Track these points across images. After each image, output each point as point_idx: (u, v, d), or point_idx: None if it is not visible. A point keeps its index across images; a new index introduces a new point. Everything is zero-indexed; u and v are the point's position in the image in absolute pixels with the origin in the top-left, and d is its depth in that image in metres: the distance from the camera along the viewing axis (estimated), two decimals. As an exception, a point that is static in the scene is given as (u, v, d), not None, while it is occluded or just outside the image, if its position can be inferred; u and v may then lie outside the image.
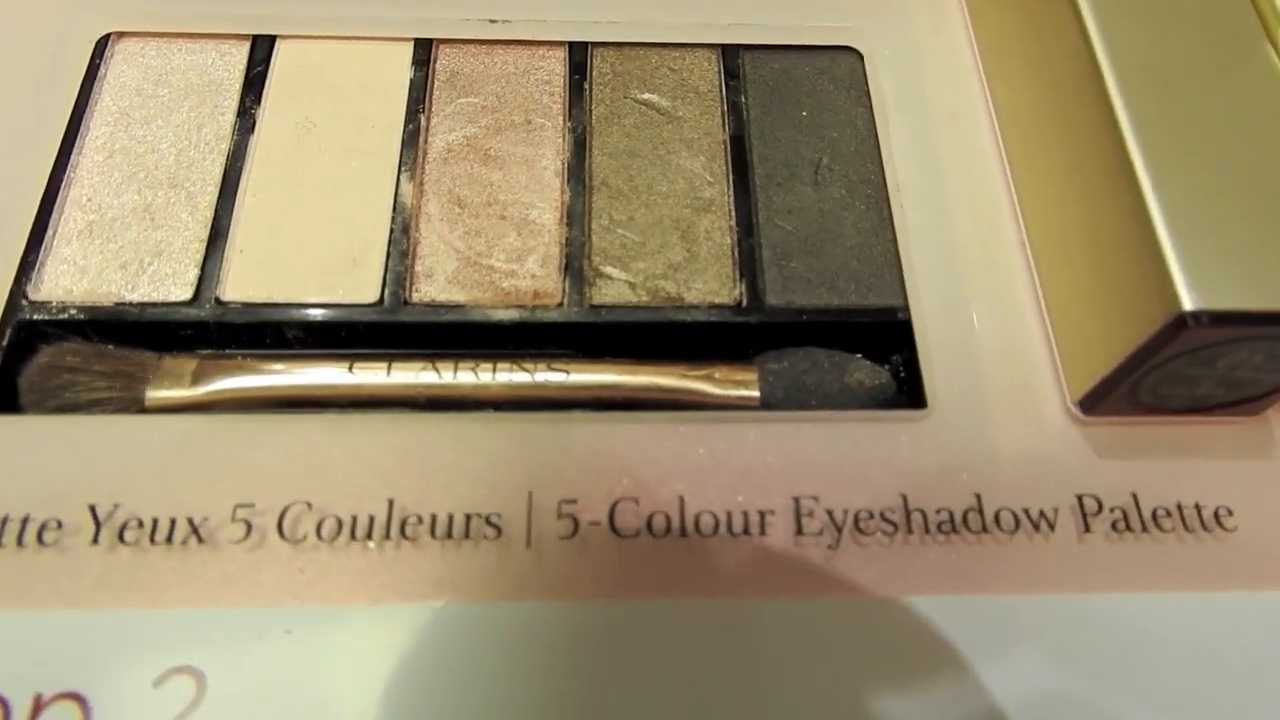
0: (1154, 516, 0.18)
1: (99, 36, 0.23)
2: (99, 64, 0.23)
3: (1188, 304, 0.16)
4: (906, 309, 0.21)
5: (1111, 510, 0.18)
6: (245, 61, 0.23)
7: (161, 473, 0.17)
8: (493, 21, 0.24)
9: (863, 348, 0.21)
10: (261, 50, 0.23)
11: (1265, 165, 0.18)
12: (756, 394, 0.20)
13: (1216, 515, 0.18)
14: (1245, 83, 0.18)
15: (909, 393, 0.20)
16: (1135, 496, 0.19)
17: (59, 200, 0.21)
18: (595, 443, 0.18)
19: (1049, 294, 0.21)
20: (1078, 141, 0.19)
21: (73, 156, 0.22)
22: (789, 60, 0.24)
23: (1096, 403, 0.19)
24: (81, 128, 0.22)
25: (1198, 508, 0.18)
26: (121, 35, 0.23)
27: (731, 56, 0.24)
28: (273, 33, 0.24)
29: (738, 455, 0.19)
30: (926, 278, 0.21)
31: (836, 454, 0.19)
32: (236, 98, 0.23)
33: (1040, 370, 0.20)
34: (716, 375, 0.20)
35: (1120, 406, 0.19)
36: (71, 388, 0.19)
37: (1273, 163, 0.18)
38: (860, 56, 0.24)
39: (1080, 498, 0.18)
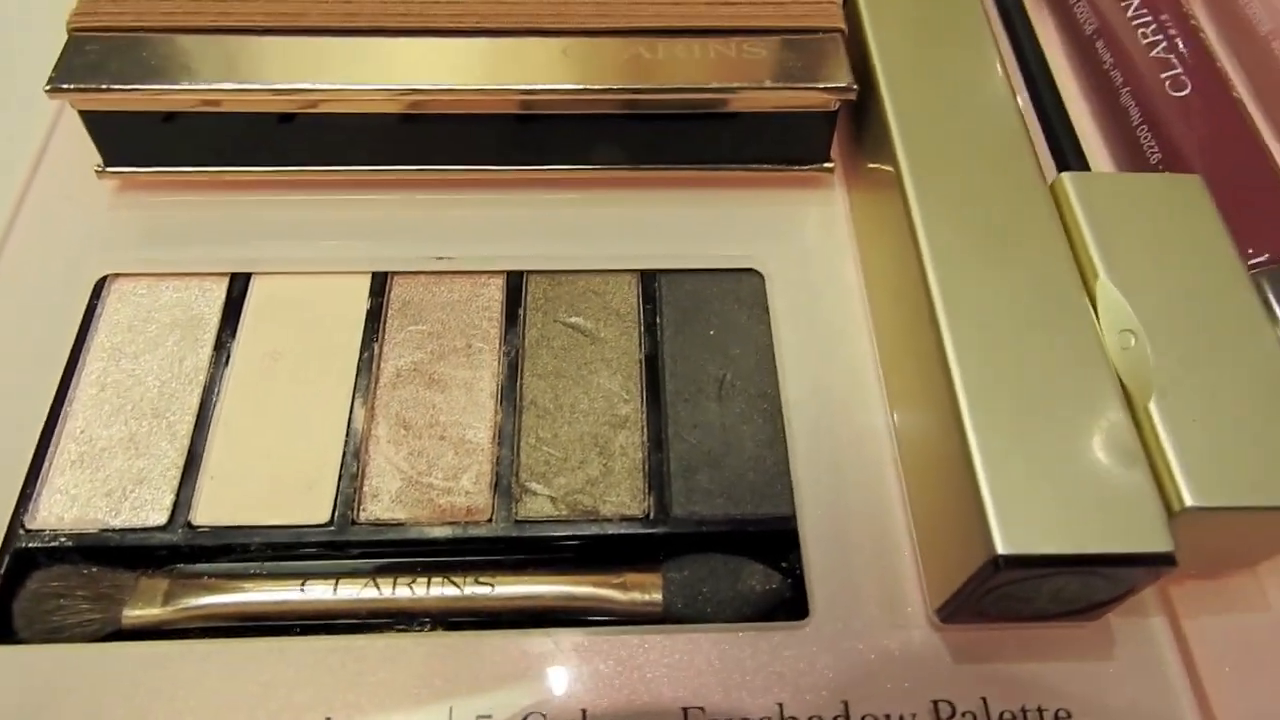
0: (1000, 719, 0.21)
1: (98, 278, 0.27)
2: (96, 302, 0.26)
3: (1000, 548, 0.19)
4: (795, 518, 0.24)
5: (963, 715, 0.21)
6: (224, 297, 0.27)
7: (130, 696, 0.20)
8: (440, 258, 0.27)
9: (761, 552, 0.24)
10: (238, 286, 0.27)
11: (1076, 414, 0.21)
12: (660, 600, 0.23)
13: (1057, 717, 0.21)
14: (1062, 336, 0.22)
15: (795, 600, 0.23)
16: (985, 701, 0.21)
17: (56, 433, 0.24)
18: (510, 658, 0.21)
19: (915, 510, 0.23)
20: (923, 383, 0.22)
21: (70, 390, 0.25)
22: (700, 282, 0.28)
23: (952, 612, 0.22)
24: (79, 363, 0.25)
25: (1040, 711, 0.21)
26: (118, 276, 0.27)
27: (649, 280, 0.28)
28: (248, 271, 0.27)
29: (637, 668, 0.21)
30: (812, 490, 0.24)
31: (725, 663, 0.21)
32: (214, 331, 0.26)
33: (908, 580, 0.23)
34: (625, 582, 0.23)
35: (971, 617, 0.22)
36: (59, 611, 0.22)
37: (1082, 412, 0.21)
38: (762, 278, 0.28)
39: (936, 703, 0.21)
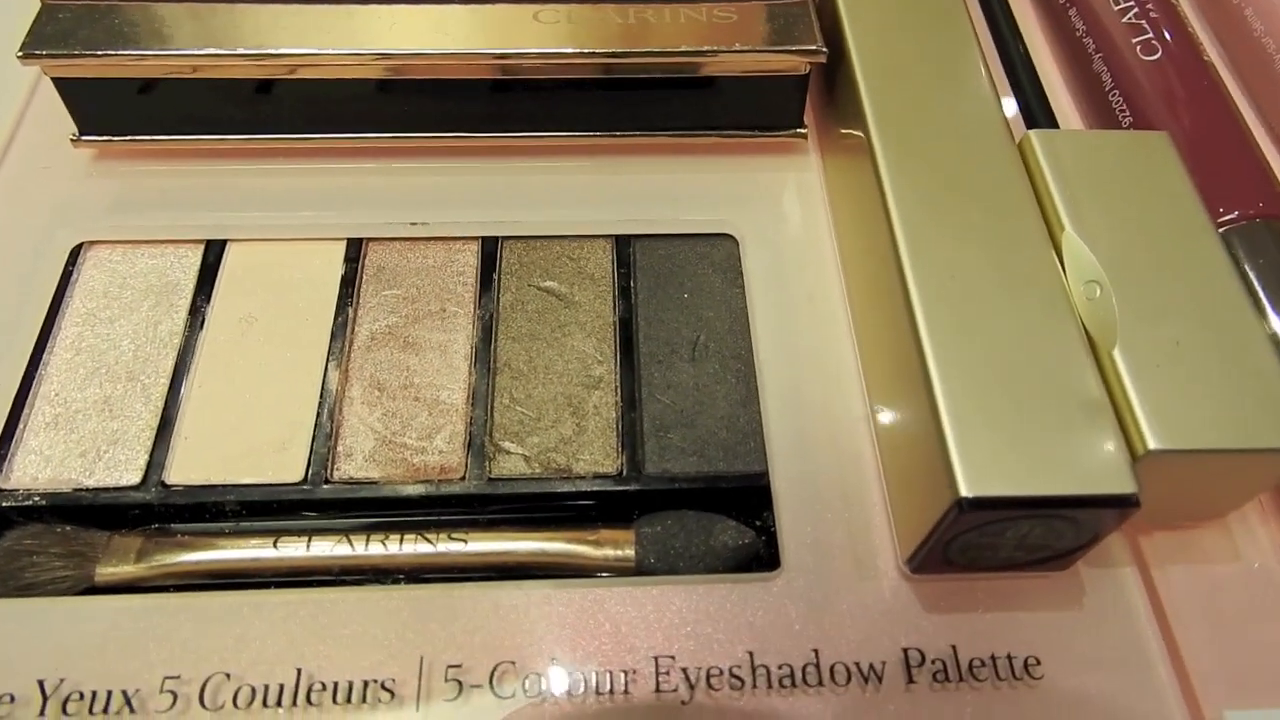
0: (970, 667, 0.21)
1: (73, 246, 0.27)
2: (72, 269, 0.27)
3: (964, 490, 0.19)
4: (768, 474, 0.24)
5: (933, 662, 0.21)
6: (199, 263, 0.27)
7: (102, 649, 0.20)
8: (415, 224, 0.28)
9: (735, 509, 0.24)
10: (214, 253, 0.27)
11: (1042, 362, 0.21)
12: (633, 555, 0.23)
13: (1026, 664, 0.21)
14: (1027, 288, 0.22)
15: (768, 557, 0.23)
16: (954, 648, 0.21)
17: (31, 395, 0.24)
18: (481, 610, 0.21)
19: (886, 463, 0.24)
20: (892, 337, 0.23)
21: (45, 355, 0.25)
22: (674, 247, 0.28)
23: (921, 562, 0.22)
24: (54, 328, 0.25)
25: (1009, 658, 0.21)
26: (93, 244, 0.27)
27: (624, 245, 0.28)
28: (224, 238, 0.27)
29: (608, 619, 0.21)
30: (784, 447, 0.24)
31: (697, 615, 0.22)
32: (190, 296, 0.26)
33: (878, 532, 0.23)
34: (599, 538, 0.23)
35: (940, 566, 0.22)
36: (31, 568, 0.22)
37: (1048, 360, 0.21)
38: (736, 242, 0.28)
39: (906, 651, 0.21)
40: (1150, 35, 0.30)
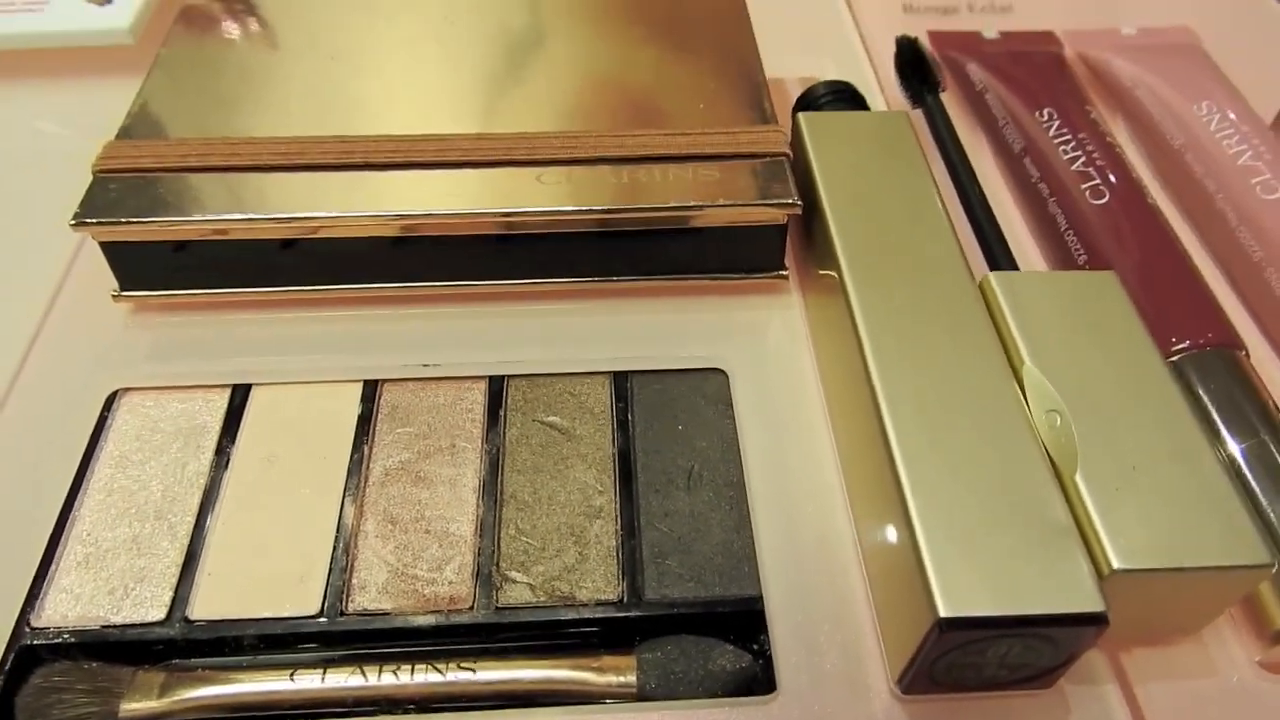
0: (962, 786, 0.22)
1: (110, 392, 0.29)
2: (107, 415, 0.28)
3: (942, 611, 0.20)
4: (762, 599, 0.25)
5: (925, 782, 0.22)
6: (225, 407, 0.29)
7: (125, 784, 0.21)
8: (426, 365, 0.30)
9: (731, 632, 0.25)
10: (239, 397, 0.29)
11: (1010, 488, 0.22)
12: (634, 681, 0.24)
13: (1016, 782, 0.22)
14: (993, 417, 0.24)
15: (764, 679, 0.24)
16: (946, 768, 0.22)
17: (64, 536, 0.26)
18: (490, 738, 0.22)
19: (874, 586, 0.25)
20: (872, 464, 0.24)
21: (79, 496, 0.27)
22: (668, 382, 0.30)
23: (910, 682, 0.23)
24: (88, 471, 0.27)
25: (999, 776, 0.22)
26: (128, 390, 0.29)
27: (621, 381, 0.30)
28: (248, 382, 0.29)
29: (611, 744, 0.22)
30: (777, 571, 0.25)
31: (697, 738, 0.22)
32: (216, 438, 0.28)
33: (869, 652, 0.24)
34: (602, 665, 0.24)
35: (928, 686, 0.23)
36: (59, 705, 0.23)
37: (1015, 486, 0.22)
38: (726, 376, 0.30)
39: (899, 771, 0.22)
40: (1098, 181, 0.33)
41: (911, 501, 0.22)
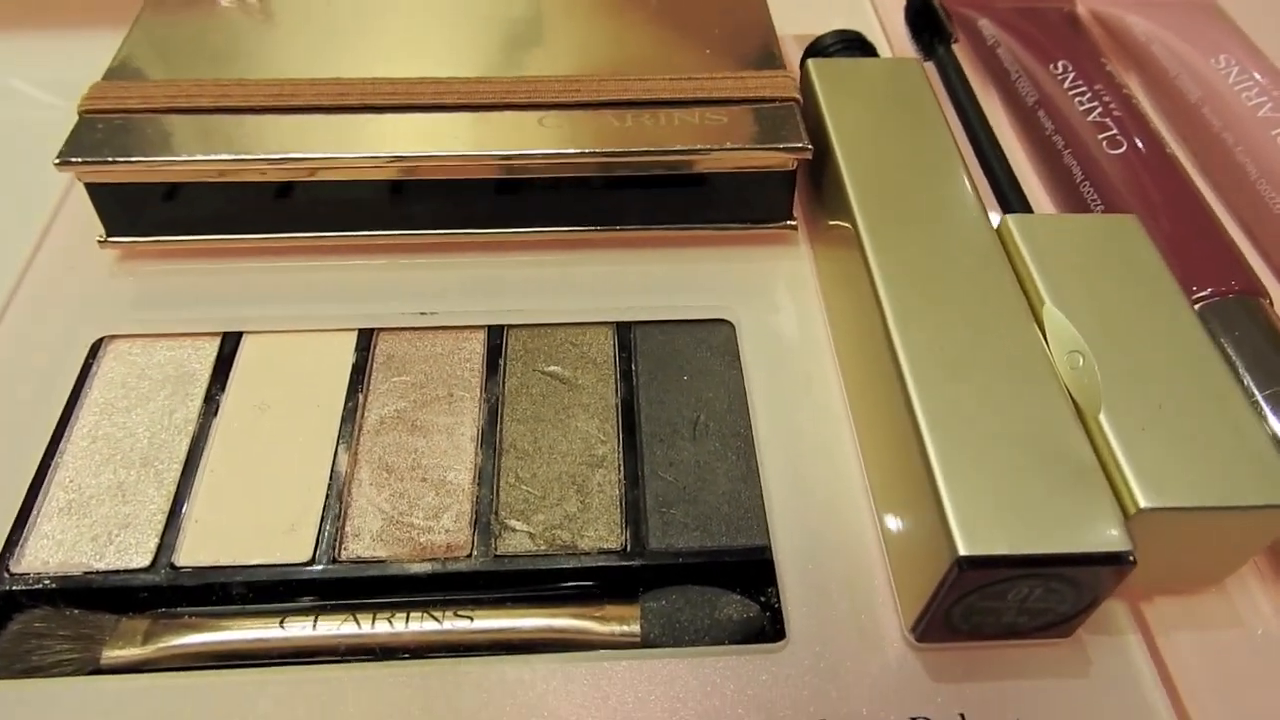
0: (979, 735, 0.21)
1: (95, 339, 0.28)
2: (92, 362, 0.28)
3: (962, 549, 0.19)
4: (770, 548, 0.24)
5: (942, 731, 0.21)
6: (215, 354, 0.28)
7: (106, 729, 0.20)
8: (424, 314, 0.29)
9: (738, 583, 0.24)
10: (229, 345, 0.28)
11: (1032, 428, 0.21)
12: (638, 630, 0.23)
13: (1035, 732, 0.21)
14: (1013, 360, 0.23)
15: (771, 631, 0.23)
16: (962, 717, 0.21)
17: (46, 482, 0.25)
18: (489, 685, 0.21)
19: (885, 534, 0.24)
20: (887, 410, 0.23)
21: (62, 443, 0.26)
22: (673, 332, 0.29)
23: (925, 629, 0.22)
24: (72, 418, 0.26)
25: (1019, 726, 0.21)
26: (114, 338, 0.28)
27: (624, 331, 0.29)
28: (240, 330, 0.28)
29: (617, 692, 0.21)
30: (786, 520, 0.25)
31: (705, 687, 0.22)
32: (205, 386, 0.27)
33: (882, 602, 0.23)
34: (604, 614, 0.23)
35: (944, 634, 0.22)
36: (38, 651, 0.22)
37: (1038, 426, 0.21)
38: (733, 327, 0.29)
39: (914, 720, 0.21)
40: (1115, 131, 0.32)
41: (929, 442, 0.21)
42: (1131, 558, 0.19)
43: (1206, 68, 0.35)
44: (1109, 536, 0.20)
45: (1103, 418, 0.22)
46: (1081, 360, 0.23)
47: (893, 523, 0.24)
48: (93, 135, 0.28)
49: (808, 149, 0.29)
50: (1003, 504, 0.20)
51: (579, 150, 0.28)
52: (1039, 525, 0.20)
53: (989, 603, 0.21)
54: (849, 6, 0.41)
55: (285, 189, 0.29)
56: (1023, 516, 0.20)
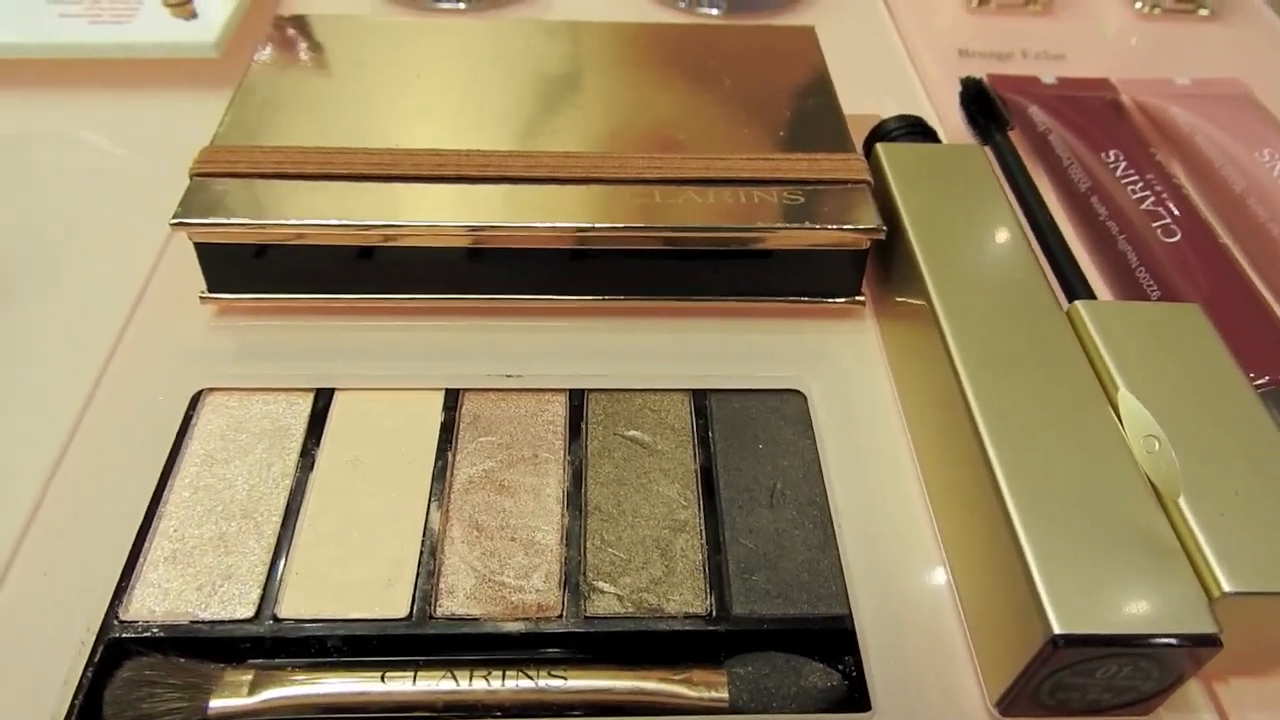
0: (1067, 810, 0.21)
1: (195, 392, 0.29)
2: (192, 414, 0.29)
3: (1057, 628, 0.20)
4: (851, 617, 0.25)
5: (1029, 805, 0.21)
6: (309, 410, 0.29)
7: (222, 779, 0.21)
8: (508, 376, 0.30)
9: (816, 651, 0.25)
10: (322, 400, 0.29)
11: (1113, 510, 0.22)
12: (726, 696, 0.24)
13: (1121, 808, 0.21)
14: (1091, 441, 0.24)
15: (857, 694, 0.24)
16: (1049, 791, 0.22)
17: (151, 532, 0.26)
18: (587, 746, 0.22)
19: (966, 606, 0.25)
20: (968, 485, 0.24)
21: (165, 494, 0.27)
22: (747, 401, 0.30)
23: (1011, 702, 0.22)
24: (174, 469, 0.27)
25: (1104, 802, 0.21)
26: (212, 391, 0.29)
27: (700, 399, 0.30)
28: (332, 386, 0.29)
29: (709, 756, 0.22)
30: (865, 589, 0.25)
31: (794, 753, 0.22)
32: (300, 440, 0.28)
33: (963, 674, 0.24)
34: (692, 678, 0.24)
35: (1030, 709, 0.22)
36: (148, 699, 0.22)
37: (1119, 508, 0.22)
38: (804, 398, 0.30)
39: (1002, 793, 0.22)
40: (1168, 220, 0.34)
41: (1017, 519, 0.22)
42: (1219, 640, 0.20)
43: (1250, 160, 0.37)
44: (1198, 619, 0.20)
45: (1182, 502, 0.23)
46: (1157, 445, 0.24)
47: (974, 595, 0.24)
48: (203, 197, 0.29)
49: (882, 230, 0.30)
50: (1091, 583, 0.21)
51: (667, 225, 0.30)
52: (1128, 605, 0.21)
53: (1077, 679, 0.21)
54: (902, 88, 0.43)
55: (373, 251, 0.30)
56: (1112, 596, 0.21)
